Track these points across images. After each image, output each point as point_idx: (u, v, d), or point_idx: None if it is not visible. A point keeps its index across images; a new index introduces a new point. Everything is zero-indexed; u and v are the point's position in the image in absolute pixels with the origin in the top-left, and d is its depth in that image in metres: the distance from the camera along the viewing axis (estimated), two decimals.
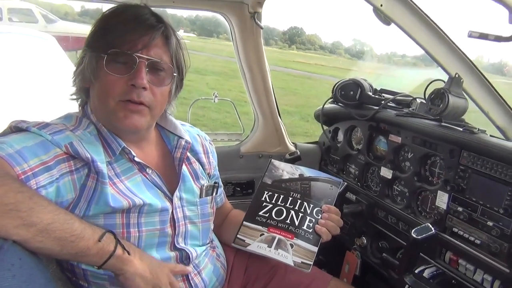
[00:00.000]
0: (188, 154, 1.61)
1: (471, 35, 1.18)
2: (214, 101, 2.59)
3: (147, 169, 1.44)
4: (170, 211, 1.46)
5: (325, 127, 2.70)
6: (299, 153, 2.54)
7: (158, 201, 1.42)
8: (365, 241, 2.34)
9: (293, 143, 2.77)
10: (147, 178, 1.44)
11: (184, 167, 1.56)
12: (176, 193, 1.49)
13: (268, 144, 2.67)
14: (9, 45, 6.22)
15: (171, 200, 1.47)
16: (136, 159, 1.41)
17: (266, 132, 2.64)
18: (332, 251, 2.45)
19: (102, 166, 1.32)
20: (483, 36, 1.12)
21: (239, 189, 2.62)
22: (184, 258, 1.51)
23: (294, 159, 2.48)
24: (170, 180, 1.51)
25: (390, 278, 2.02)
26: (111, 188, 1.34)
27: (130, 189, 1.38)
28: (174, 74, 1.43)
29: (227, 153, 2.59)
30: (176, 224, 1.48)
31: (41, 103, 4.69)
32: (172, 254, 1.48)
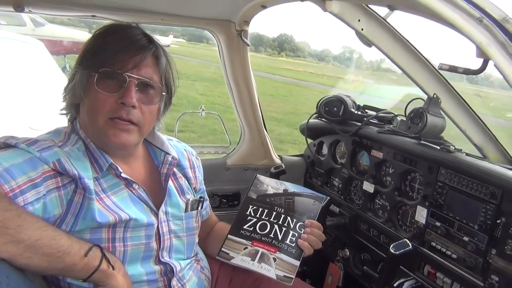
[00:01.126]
0: (175, 169, 1.62)
1: (441, 67, 1.23)
2: (202, 115, 2.60)
3: (134, 185, 1.45)
4: (156, 225, 1.47)
5: (310, 141, 2.72)
6: (284, 166, 2.56)
7: (144, 216, 1.43)
8: (348, 253, 2.38)
9: (278, 156, 2.79)
10: (133, 193, 1.45)
11: (170, 182, 1.57)
12: (162, 207, 1.50)
13: (254, 157, 2.69)
14: None
15: (156, 215, 1.48)
16: (122, 175, 1.42)
17: (252, 145, 2.66)
18: (315, 262, 2.44)
19: (89, 182, 1.33)
20: (453, 69, 1.17)
21: (225, 200, 2.63)
22: (168, 271, 1.51)
23: (279, 173, 2.50)
24: (156, 195, 1.52)
25: None
26: (98, 203, 1.34)
27: (117, 204, 1.38)
28: (163, 93, 1.45)
29: (214, 166, 2.60)
30: (161, 239, 1.49)
31: (28, 109, 4.66)
32: (157, 267, 1.49)
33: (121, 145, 1.39)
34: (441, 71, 1.90)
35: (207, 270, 1.76)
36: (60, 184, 1.30)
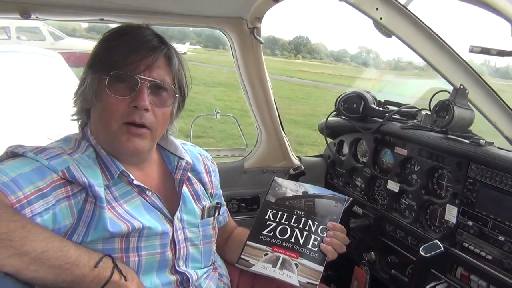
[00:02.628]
0: (189, 174, 1.58)
1: (472, 50, 1.13)
2: (216, 117, 2.56)
3: (147, 192, 1.42)
4: (171, 233, 1.43)
5: (330, 140, 2.66)
6: (303, 167, 2.49)
7: (158, 224, 1.39)
8: (374, 256, 2.31)
9: (297, 157, 2.73)
10: (147, 200, 1.42)
11: (185, 188, 1.54)
12: (177, 215, 1.47)
13: (272, 159, 2.63)
14: (17, 64, 6.31)
15: (171, 223, 1.45)
16: (135, 182, 1.39)
17: (270, 147, 2.61)
18: (340, 266, 2.42)
19: (100, 190, 1.29)
20: (485, 51, 1.07)
21: (244, 205, 2.58)
22: (185, 281, 1.47)
23: (298, 174, 2.43)
24: (171, 202, 1.49)
25: None
26: (110, 212, 1.31)
27: (129, 212, 1.35)
28: (176, 95, 1.42)
29: (231, 169, 2.56)
30: (177, 247, 1.45)
31: (47, 119, 4.73)
32: (173, 277, 1.45)
33: (134, 151, 1.36)
34: (467, 61, 1.79)
35: (226, 278, 1.72)
36: (70, 193, 1.27)
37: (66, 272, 1.13)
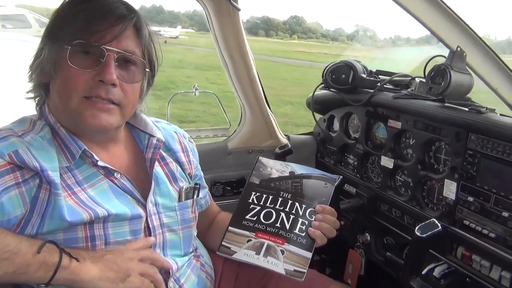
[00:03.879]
0: (164, 153, 1.51)
1: None
2: (195, 95, 2.42)
3: (115, 174, 1.33)
4: (144, 219, 1.34)
5: (319, 116, 2.55)
6: (290, 146, 2.39)
7: (127, 209, 1.30)
8: (369, 238, 2.22)
9: (285, 135, 2.63)
10: (115, 184, 1.33)
11: (158, 168, 1.46)
12: (150, 198, 1.38)
13: (258, 138, 2.53)
14: (5, 51, 6.19)
15: (145, 207, 1.36)
16: (100, 163, 1.29)
17: (255, 126, 2.49)
18: (335, 249, 2.34)
19: (54, 175, 1.19)
20: None
21: (229, 188, 2.48)
22: (163, 271, 1.38)
23: (285, 153, 2.33)
24: (144, 184, 1.40)
25: (399, 277, 1.90)
26: (70, 199, 1.22)
27: (94, 198, 1.26)
28: (146, 69, 1.34)
29: (214, 151, 2.45)
30: (152, 234, 1.37)
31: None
32: None
33: (100, 128, 1.26)
34: (465, 20, 1.65)
35: (209, 267, 1.65)
36: (21, 180, 1.16)
37: (6, 263, 1.05)
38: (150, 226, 1.36)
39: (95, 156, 1.28)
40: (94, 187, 1.28)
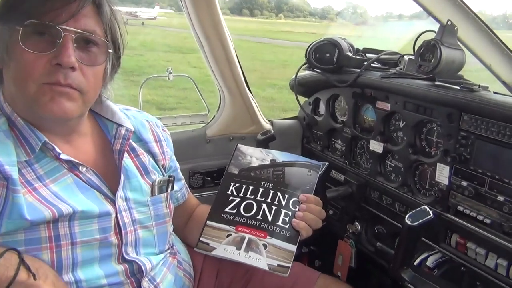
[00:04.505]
0: (134, 144, 1.47)
1: None
2: (169, 79, 2.37)
3: (80, 167, 1.29)
4: (114, 215, 1.32)
5: (305, 100, 2.54)
6: (272, 131, 2.36)
7: (95, 206, 1.27)
8: (359, 227, 2.24)
9: (268, 120, 2.61)
10: (80, 178, 1.29)
11: (128, 160, 1.43)
12: (120, 193, 1.35)
13: (239, 124, 2.51)
14: None
15: (114, 203, 1.33)
16: (62, 156, 1.25)
17: (235, 111, 2.47)
18: (324, 241, 2.40)
19: (11, 170, 1.15)
20: None
21: (209, 179, 2.46)
22: (136, 271, 1.37)
23: (267, 140, 2.29)
24: (113, 178, 1.37)
25: (389, 269, 1.85)
26: (30, 195, 1.18)
27: (57, 194, 1.22)
28: (110, 50, 1.30)
29: (192, 139, 2.42)
30: (123, 231, 1.34)
31: None
32: (120, 267, 1.34)
33: (62, 114, 1.21)
34: None
35: (187, 265, 1.65)
36: None
37: None
38: (121, 223, 1.33)
39: (57, 149, 1.24)
40: (57, 182, 1.24)
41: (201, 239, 1.39)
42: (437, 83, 1.76)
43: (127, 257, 1.34)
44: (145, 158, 1.49)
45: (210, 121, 2.50)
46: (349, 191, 2.18)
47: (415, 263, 1.74)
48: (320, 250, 2.59)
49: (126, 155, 1.42)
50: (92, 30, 1.23)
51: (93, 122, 1.45)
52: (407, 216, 1.57)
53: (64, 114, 1.21)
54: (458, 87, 1.69)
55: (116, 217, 1.32)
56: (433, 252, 1.79)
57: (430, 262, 1.76)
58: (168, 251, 1.54)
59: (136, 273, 1.36)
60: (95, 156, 1.39)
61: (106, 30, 1.28)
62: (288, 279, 1.51)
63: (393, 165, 2.06)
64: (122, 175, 1.38)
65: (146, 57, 14.31)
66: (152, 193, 1.46)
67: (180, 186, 1.69)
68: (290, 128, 2.64)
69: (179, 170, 1.69)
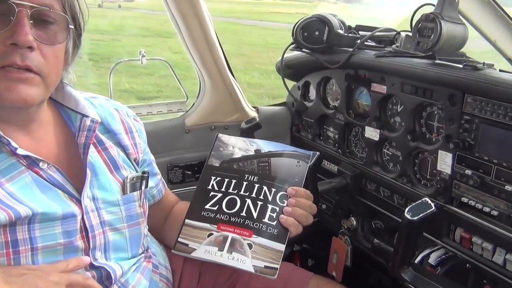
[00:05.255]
0: (102, 136, 1.45)
1: None
2: (142, 63, 2.32)
3: (40, 164, 1.26)
4: (79, 217, 1.29)
5: (293, 83, 2.53)
6: (258, 119, 2.34)
7: (57, 206, 1.25)
8: (355, 223, 2.25)
9: (254, 107, 2.60)
10: (41, 176, 1.27)
11: (95, 155, 1.40)
12: (86, 192, 1.33)
13: (221, 112, 2.49)
14: None
15: (80, 203, 1.31)
16: (20, 151, 1.22)
17: (217, 97, 2.45)
18: (317, 238, 2.46)
19: None
20: None
21: (189, 173, 2.45)
22: (105, 278, 1.35)
23: (252, 128, 2.27)
24: (78, 175, 1.35)
25: (388, 268, 1.85)
26: None
27: (13, 195, 1.19)
28: (70, 26, 1.27)
29: (169, 129, 2.39)
30: (90, 234, 1.32)
31: None
32: (87, 275, 1.31)
33: (20, 103, 1.20)
34: None
35: (164, 269, 1.65)
36: None
37: None
38: (88, 225, 1.31)
39: (12, 143, 1.21)
40: (13, 181, 1.21)
41: (179, 239, 1.38)
42: (437, 61, 1.75)
43: (95, 263, 1.32)
44: (115, 151, 1.47)
45: (189, 109, 2.48)
46: (343, 183, 2.19)
47: (416, 261, 1.75)
48: (313, 248, 2.60)
49: (92, 148, 1.39)
50: (49, 4, 1.20)
51: (55, 112, 1.42)
52: (406, 209, 1.56)
53: (24, 102, 1.19)
54: (461, 65, 1.67)
55: (83, 218, 1.30)
56: (435, 248, 1.80)
57: (432, 259, 1.76)
58: (142, 254, 1.52)
59: (104, 279, 1.34)
60: (57, 151, 1.36)
61: (64, 5, 1.25)
62: (278, 281, 1.52)
63: (390, 153, 2.06)
64: (88, 171, 1.35)
65: (123, 43, 14.26)
66: (124, 191, 1.44)
67: (156, 182, 1.67)
68: (277, 115, 2.63)
69: (154, 164, 1.68)
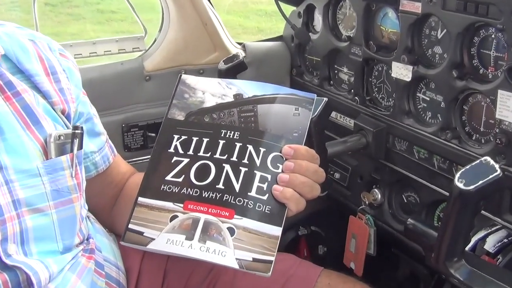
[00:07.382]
0: (12, 77, 1.32)
1: None
2: None
3: None
4: None
5: (292, 9, 2.39)
6: (241, 57, 2.17)
7: None
8: (379, 196, 2.14)
9: (239, 43, 2.48)
10: None
11: (2, 103, 1.29)
12: None
13: (193, 50, 2.34)
14: None
15: None
16: None
17: (187, 30, 2.30)
18: (329, 218, 2.46)
19: None
20: None
21: (152, 134, 2.32)
22: (23, 283, 1.22)
23: (234, 70, 2.11)
24: None
25: (430, 259, 1.73)
26: None
27: None
28: None
29: (123, 76, 2.25)
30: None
31: None
32: None
33: None
34: None
35: (114, 269, 1.53)
36: None
37: None
38: None
39: None
40: None
41: (129, 226, 1.26)
42: None
43: (7, 261, 1.19)
44: (31, 97, 1.33)
45: (150, 47, 2.35)
46: (362, 143, 2.07)
47: (467, 247, 1.59)
48: (325, 232, 2.58)
49: None
50: None
51: None
52: (457, 175, 1.38)
53: None
54: None
55: None
56: (493, 228, 1.66)
57: (489, 244, 1.62)
58: (81, 247, 1.40)
59: (23, 285, 1.22)
60: None
61: None
62: (273, 280, 1.49)
63: (428, 99, 1.93)
64: None
65: None
66: (46, 155, 1.31)
67: (100, 145, 1.56)
68: (271, 53, 2.52)
69: (97, 120, 1.57)
